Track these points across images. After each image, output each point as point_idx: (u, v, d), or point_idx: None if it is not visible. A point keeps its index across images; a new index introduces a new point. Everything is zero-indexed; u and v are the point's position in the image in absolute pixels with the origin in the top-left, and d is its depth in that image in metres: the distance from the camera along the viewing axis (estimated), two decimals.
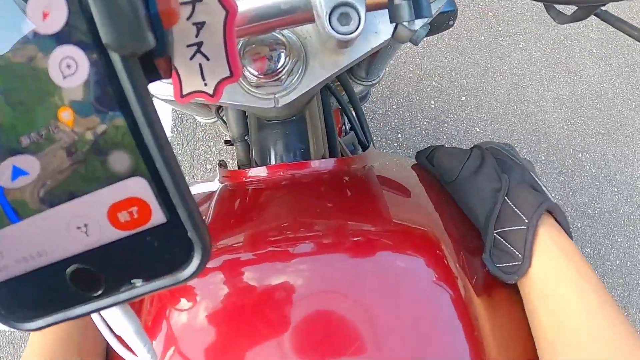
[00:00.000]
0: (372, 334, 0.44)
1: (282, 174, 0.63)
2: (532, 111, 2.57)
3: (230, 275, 0.48)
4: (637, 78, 2.83)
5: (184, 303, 0.47)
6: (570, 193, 2.44)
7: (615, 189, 2.48)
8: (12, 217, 0.22)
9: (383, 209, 0.59)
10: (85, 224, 0.22)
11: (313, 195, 0.60)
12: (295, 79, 0.51)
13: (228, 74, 0.30)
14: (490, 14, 2.81)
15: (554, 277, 0.53)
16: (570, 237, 0.57)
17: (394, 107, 2.47)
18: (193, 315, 0.46)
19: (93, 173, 0.21)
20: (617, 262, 2.36)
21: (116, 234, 0.22)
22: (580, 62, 2.77)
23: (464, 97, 2.57)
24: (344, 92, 0.89)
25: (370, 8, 0.39)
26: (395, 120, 2.43)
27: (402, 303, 0.47)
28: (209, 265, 0.47)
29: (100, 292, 0.24)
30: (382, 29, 0.46)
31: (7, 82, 0.19)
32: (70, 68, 0.19)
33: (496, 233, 0.57)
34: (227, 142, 0.93)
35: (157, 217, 0.22)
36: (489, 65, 2.68)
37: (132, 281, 0.23)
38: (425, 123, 2.44)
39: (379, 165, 0.73)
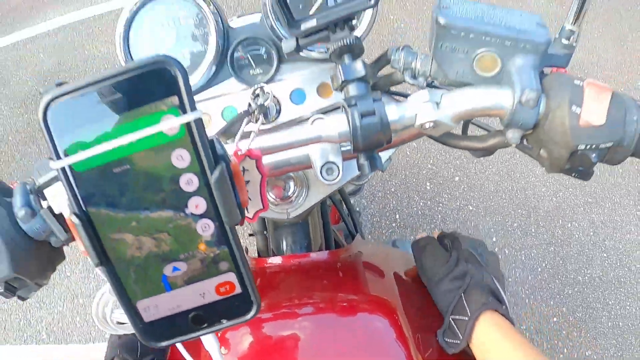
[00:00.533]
0: None
1: (291, 262, 0.97)
2: (522, 187, 2.79)
3: (256, 325, 0.80)
4: None
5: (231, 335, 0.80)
6: (561, 262, 2.59)
7: (605, 255, 2.61)
8: (167, 288, 0.45)
9: (362, 285, 0.91)
10: (203, 292, 0.45)
11: (313, 276, 0.93)
12: (301, 200, 0.86)
13: (261, 206, 0.58)
14: None
15: (492, 350, 0.75)
16: (513, 323, 0.80)
17: (392, 189, 2.77)
18: (237, 342, 0.78)
19: (211, 270, 0.44)
20: (609, 323, 2.47)
21: (217, 297, 0.46)
22: None
23: (457, 178, 2.83)
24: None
25: (345, 159, 0.68)
26: (394, 202, 2.71)
27: (361, 345, 0.77)
28: None
29: (204, 326, 0.47)
30: (354, 167, 0.70)
31: (174, 231, 0.42)
32: (205, 229, 0.43)
33: (451, 318, 0.80)
34: (250, 234, 1.26)
35: (237, 289, 0.46)
36: None
37: (221, 320, 0.47)
38: (421, 204, 2.71)
39: (367, 251, 1.06)
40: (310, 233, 1.02)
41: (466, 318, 0.77)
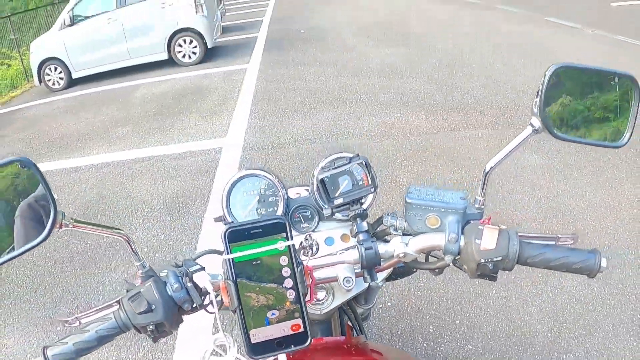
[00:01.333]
0: None
1: (319, 342, 1.39)
2: (518, 325, 3.00)
3: None
4: (613, 278, 3.27)
5: None
6: None
7: None
8: (267, 324, 0.85)
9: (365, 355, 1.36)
10: (284, 328, 0.86)
11: (331, 349, 1.36)
12: (328, 302, 1.29)
13: (309, 298, 0.90)
14: None
15: None
16: None
17: (399, 332, 3.05)
18: None
19: (290, 316, 0.86)
20: None
21: (291, 332, 0.87)
22: (559, 275, 3.28)
23: (458, 321, 3.10)
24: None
25: (357, 276, 1.08)
26: (400, 343, 2.98)
27: None
28: None
29: (282, 348, 0.87)
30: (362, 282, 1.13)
31: (276, 295, 0.86)
32: (290, 295, 0.86)
33: None
34: None
35: (301, 329, 0.87)
36: (479, 291, 3.27)
37: (291, 346, 0.87)
38: (425, 345, 2.97)
39: (373, 344, 1.54)
40: (332, 328, 1.46)
41: None
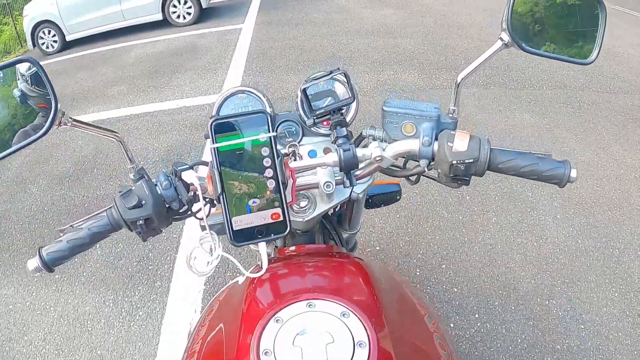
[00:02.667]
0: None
1: (301, 248, 1.46)
2: (502, 272, 3.11)
3: (275, 269, 1.19)
4: (599, 233, 3.36)
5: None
6: (539, 334, 2.77)
7: (582, 326, 2.78)
8: (248, 211, 0.92)
9: (346, 258, 1.40)
10: (264, 216, 0.92)
11: (315, 255, 1.40)
12: (311, 210, 1.33)
13: (291, 199, 0.95)
14: (467, 197, 3.56)
15: None
16: None
17: None
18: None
19: (270, 205, 0.92)
20: None
21: (270, 220, 0.93)
22: (545, 227, 3.39)
23: (444, 265, 3.19)
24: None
25: (337, 183, 1.11)
26: None
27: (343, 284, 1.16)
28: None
29: (262, 235, 0.93)
30: (343, 192, 1.20)
31: (257, 183, 0.92)
32: (271, 184, 0.91)
33: None
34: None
35: (281, 218, 0.93)
36: (466, 238, 3.36)
37: (271, 234, 0.93)
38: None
39: (354, 254, 1.58)
40: (315, 239, 1.53)
41: None
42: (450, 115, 1.15)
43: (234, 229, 0.92)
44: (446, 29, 8.75)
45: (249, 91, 1.34)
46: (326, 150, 1.32)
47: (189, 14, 11.15)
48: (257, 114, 0.91)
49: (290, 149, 1.24)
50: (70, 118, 0.99)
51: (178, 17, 11.15)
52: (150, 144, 5.23)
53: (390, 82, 6.30)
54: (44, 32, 11.26)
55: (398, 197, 1.80)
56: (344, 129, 1.15)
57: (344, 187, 1.15)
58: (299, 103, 1.25)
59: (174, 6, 11.09)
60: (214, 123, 0.90)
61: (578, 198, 3.84)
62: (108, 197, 4.29)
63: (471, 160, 1.01)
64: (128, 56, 9.27)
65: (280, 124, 1.32)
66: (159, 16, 11.18)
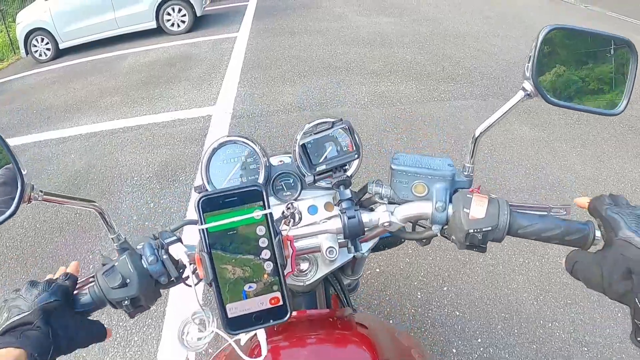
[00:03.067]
0: None
1: (302, 314, 1.38)
2: (505, 293, 3.04)
3: (276, 347, 1.12)
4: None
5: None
6: (542, 357, 2.71)
7: (585, 349, 2.72)
8: (244, 297, 0.81)
9: (351, 328, 1.31)
10: (262, 302, 0.81)
11: (316, 323, 1.32)
12: (312, 273, 1.28)
13: (290, 270, 0.88)
14: None
15: None
16: None
17: (387, 298, 3.08)
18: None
19: (268, 289, 0.81)
20: None
21: (269, 306, 0.81)
22: (546, 245, 3.28)
23: (446, 287, 3.12)
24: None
25: (341, 246, 1.06)
26: (388, 309, 3.00)
27: None
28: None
29: (261, 322, 0.81)
30: (347, 253, 1.09)
31: (253, 266, 0.81)
32: (268, 267, 0.81)
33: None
34: None
35: (280, 302, 0.82)
36: (467, 259, 3.29)
37: (270, 320, 0.82)
38: (412, 311, 2.99)
39: (359, 315, 1.47)
40: (316, 301, 1.45)
41: None
42: (466, 173, 1.08)
43: (229, 316, 0.83)
44: (443, 37, 8.71)
45: (240, 141, 1.25)
46: (328, 207, 1.24)
47: (183, 22, 11.12)
48: (251, 189, 0.82)
49: (289, 211, 1.15)
50: (41, 192, 0.93)
51: (172, 25, 11.12)
52: (144, 158, 5.15)
53: (387, 94, 6.24)
54: (37, 40, 11.19)
55: (403, 240, 1.72)
56: (348, 190, 1.08)
57: (348, 252, 1.08)
58: (297, 157, 1.18)
59: (168, 14, 11.07)
60: (201, 200, 0.81)
61: (580, 214, 3.73)
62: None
63: (489, 229, 0.93)
64: (122, 65, 9.19)
65: (276, 176, 1.25)
66: (153, 24, 11.14)
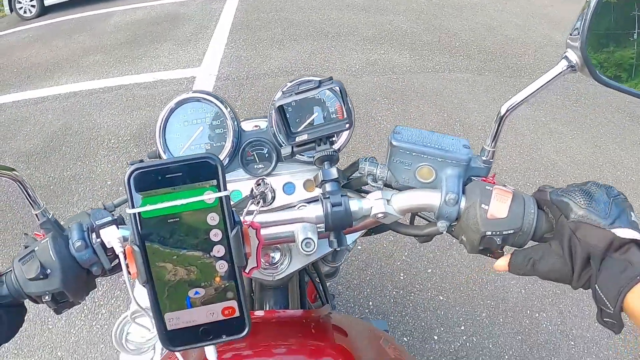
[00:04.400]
0: None
1: (271, 315, 1.18)
2: (492, 279, 2.88)
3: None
4: None
5: None
6: (527, 350, 2.59)
7: (572, 343, 2.60)
8: (188, 306, 0.61)
9: (327, 337, 1.12)
10: (212, 312, 0.61)
11: (288, 327, 1.12)
12: (284, 266, 1.06)
13: (255, 265, 0.72)
14: None
15: None
16: None
17: (368, 278, 2.91)
18: None
19: (221, 297, 0.61)
20: None
21: (221, 317, 0.62)
22: None
23: (430, 270, 2.96)
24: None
25: (320, 237, 0.85)
26: (368, 290, 2.85)
27: None
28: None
29: (210, 338, 0.63)
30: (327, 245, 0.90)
31: (201, 266, 0.61)
32: (221, 267, 0.61)
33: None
34: None
35: (236, 314, 0.63)
36: (454, 241, 3.11)
37: (222, 336, 0.63)
38: (394, 293, 2.84)
39: (336, 315, 1.27)
40: (288, 296, 1.24)
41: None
42: (485, 157, 0.89)
43: (168, 329, 0.63)
44: (441, 8, 8.43)
45: (205, 99, 1.02)
46: (308, 185, 1.03)
47: None
48: (202, 160, 0.61)
49: (259, 189, 0.96)
50: None
51: None
52: (123, 120, 4.93)
53: (380, 62, 6.01)
54: None
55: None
56: (334, 168, 0.87)
57: (330, 246, 0.86)
58: (274, 122, 0.97)
59: None
60: (133, 174, 0.60)
61: None
62: (75, 179, 4.05)
63: (511, 231, 0.75)
64: (107, 23, 8.86)
65: (247, 144, 1.03)
66: None
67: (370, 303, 2.81)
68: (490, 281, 2.91)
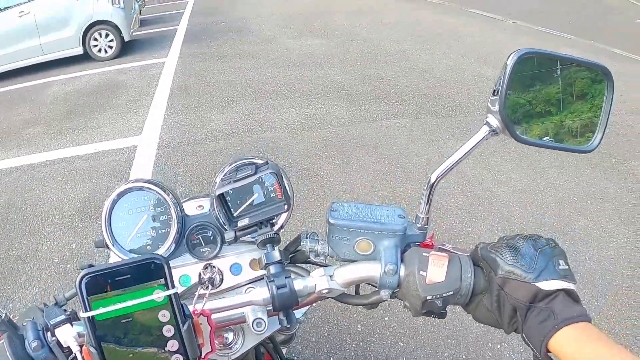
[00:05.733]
0: None
1: None
2: (449, 318, 2.83)
3: None
4: None
5: None
6: None
7: None
8: None
9: None
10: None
11: None
12: (238, 346, 1.07)
13: (210, 349, 0.75)
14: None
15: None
16: None
17: (325, 334, 2.92)
18: None
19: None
20: None
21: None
22: None
23: (387, 318, 2.99)
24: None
25: (270, 315, 0.88)
26: (327, 346, 2.85)
27: None
28: None
29: None
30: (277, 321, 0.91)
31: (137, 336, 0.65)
32: (172, 346, 0.66)
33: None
34: None
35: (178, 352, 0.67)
36: None
37: None
38: (354, 345, 2.84)
39: None
40: None
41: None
42: (420, 224, 0.93)
43: None
44: (373, 57, 8.72)
45: (146, 187, 1.04)
46: (254, 265, 1.05)
47: (110, 47, 10.71)
48: (148, 262, 0.65)
49: (207, 274, 0.98)
50: None
51: (99, 51, 10.69)
52: (66, 194, 4.85)
53: (318, 116, 6.14)
54: None
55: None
56: (277, 251, 0.90)
57: (280, 323, 0.89)
58: (215, 209, 0.99)
59: (95, 39, 10.63)
60: (83, 279, 0.63)
61: (520, 226, 3.80)
62: (21, 259, 3.95)
63: (450, 293, 0.80)
64: (46, 94, 8.75)
65: (192, 229, 1.04)
66: (79, 50, 10.66)
67: (331, 359, 2.82)
68: (448, 321, 2.95)
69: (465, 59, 8.27)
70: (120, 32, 10.71)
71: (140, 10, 13.66)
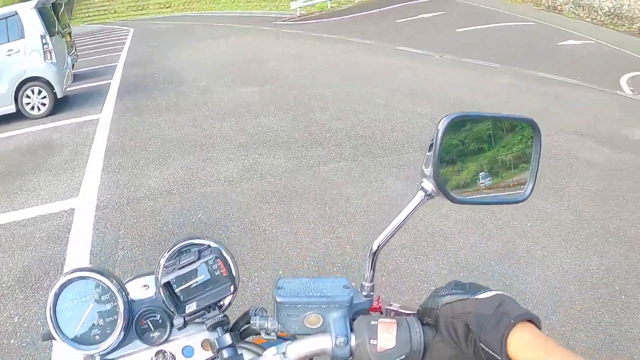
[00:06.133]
0: None
1: None
2: None
3: None
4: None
5: None
6: None
7: None
8: None
9: None
10: None
11: None
12: None
13: None
14: None
15: None
16: None
17: None
18: None
19: None
20: None
21: None
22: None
23: None
24: None
25: None
26: None
27: None
28: None
29: None
30: None
31: None
32: None
33: None
34: None
35: None
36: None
37: None
38: None
39: None
40: None
41: None
42: (366, 292, 0.95)
43: None
44: (307, 102, 8.89)
45: (88, 276, 1.03)
46: (205, 345, 1.06)
47: (43, 104, 10.49)
48: None
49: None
50: None
51: (32, 108, 10.44)
52: (4, 263, 4.74)
53: (256, 166, 6.22)
54: None
55: None
56: (227, 335, 0.94)
57: None
58: (162, 296, 1.00)
59: (28, 97, 10.42)
60: None
61: (465, 257, 3.95)
62: None
63: (403, 357, 0.83)
64: None
65: (139, 314, 1.03)
66: (12, 108, 10.38)
67: None
68: None
69: (396, 95, 8.54)
70: (53, 89, 10.51)
71: (73, 65, 13.53)
